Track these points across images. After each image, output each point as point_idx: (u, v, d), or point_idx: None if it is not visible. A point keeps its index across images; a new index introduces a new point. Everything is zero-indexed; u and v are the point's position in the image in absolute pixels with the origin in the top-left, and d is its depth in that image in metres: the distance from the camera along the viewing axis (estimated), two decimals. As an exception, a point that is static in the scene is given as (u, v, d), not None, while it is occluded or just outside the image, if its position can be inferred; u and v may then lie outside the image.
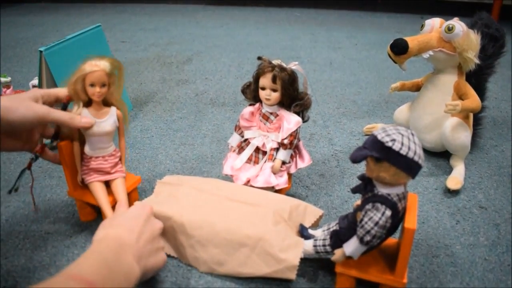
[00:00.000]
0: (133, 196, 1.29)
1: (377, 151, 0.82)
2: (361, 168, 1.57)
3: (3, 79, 2.01)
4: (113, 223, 0.85)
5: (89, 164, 1.20)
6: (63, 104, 1.15)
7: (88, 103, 1.15)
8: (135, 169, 1.54)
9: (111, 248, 0.75)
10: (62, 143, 1.17)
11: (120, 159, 1.25)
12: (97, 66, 1.10)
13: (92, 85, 1.10)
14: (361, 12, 4.47)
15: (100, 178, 1.20)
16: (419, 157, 0.82)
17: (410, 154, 0.83)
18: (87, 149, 1.20)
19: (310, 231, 1.09)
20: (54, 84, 1.53)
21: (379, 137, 0.81)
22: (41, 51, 1.48)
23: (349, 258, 0.98)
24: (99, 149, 1.19)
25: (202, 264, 1.09)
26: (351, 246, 0.95)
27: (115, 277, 0.68)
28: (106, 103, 1.18)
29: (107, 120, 1.17)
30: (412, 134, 0.86)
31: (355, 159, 0.78)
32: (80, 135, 1.19)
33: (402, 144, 0.82)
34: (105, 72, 1.10)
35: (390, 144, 0.80)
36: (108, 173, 1.21)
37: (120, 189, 1.20)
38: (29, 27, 3.63)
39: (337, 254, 0.98)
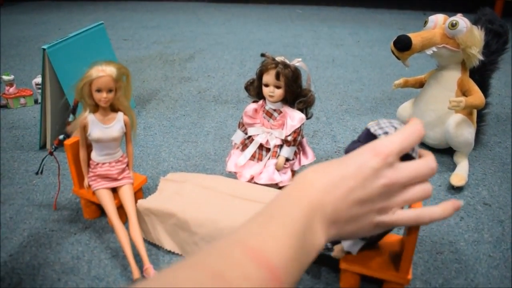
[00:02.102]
0: (138, 195, 1.29)
1: (368, 141, 0.82)
2: (365, 165, 1.57)
3: (6, 77, 2.01)
4: (325, 167, 0.53)
5: (96, 171, 1.20)
6: (73, 108, 1.16)
7: (95, 109, 1.16)
8: (139, 166, 1.54)
9: (304, 212, 0.47)
10: (68, 142, 1.18)
11: (128, 165, 1.25)
12: (103, 71, 1.09)
13: (99, 90, 1.10)
14: (364, 9, 4.46)
15: (107, 185, 1.20)
16: (412, 150, 0.81)
17: None
18: (94, 155, 1.20)
19: None
20: (57, 82, 1.53)
21: (372, 130, 0.81)
22: (44, 49, 1.48)
23: (348, 253, 0.98)
24: (106, 155, 1.19)
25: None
26: (349, 241, 0.96)
27: (299, 259, 0.45)
28: (113, 108, 1.18)
29: (114, 126, 1.17)
30: None
31: (348, 152, 0.78)
32: (87, 141, 1.19)
33: (394, 127, 0.82)
34: (111, 77, 1.10)
35: (383, 137, 0.80)
36: (115, 179, 1.21)
37: (128, 197, 1.19)
38: (32, 26, 3.63)
39: (336, 250, 0.99)
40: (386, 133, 0.80)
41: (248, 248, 0.41)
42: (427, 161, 0.55)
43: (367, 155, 0.51)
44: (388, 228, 0.55)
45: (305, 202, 0.47)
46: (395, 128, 0.81)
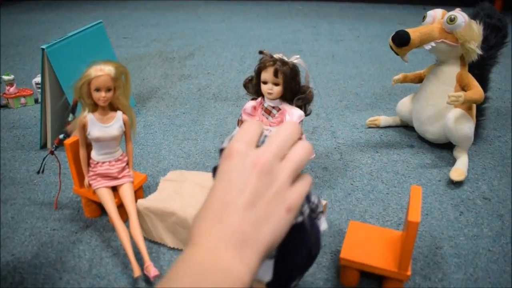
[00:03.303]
0: (138, 194, 1.30)
1: None
2: (364, 161, 1.57)
3: (6, 77, 2.02)
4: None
5: (96, 170, 1.20)
6: (72, 107, 1.16)
7: (94, 108, 1.16)
8: (139, 164, 1.55)
9: (187, 269, 0.42)
10: (68, 141, 1.18)
11: (128, 164, 1.25)
12: (102, 70, 1.10)
13: (98, 89, 1.11)
14: (363, 4, 4.45)
15: (107, 184, 1.20)
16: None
17: None
18: (93, 154, 1.20)
19: None
20: (57, 81, 1.53)
21: (220, 147, 0.63)
22: (43, 49, 1.48)
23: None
24: (106, 154, 1.19)
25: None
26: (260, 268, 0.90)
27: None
28: (113, 107, 1.18)
29: (113, 125, 1.17)
30: None
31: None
32: (87, 140, 1.19)
33: None
34: (110, 76, 1.10)
35: (225, 144, 0.62)
36: (116, 178, 1.21)
37: (128, 196, 1.19)
38: (31, 25, 3.64)
39: None
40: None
41: None
42: (284, 124, 0.48)
43: (222, 165, 0.45)
44: (300, 202, 0.46)
45: (196, 259, 0.41)
46: None
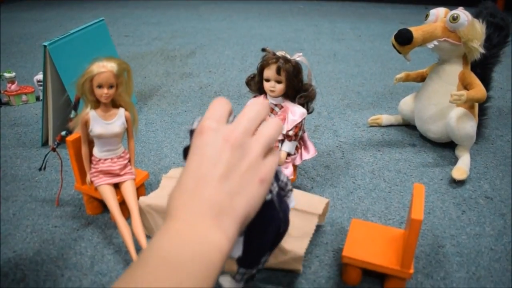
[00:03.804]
0: (140, 191, 1.29)
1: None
2: (366, 159, 1.57)
3: (7, 75, 2.02)
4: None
5: (98, 167, 1.20)
6: (74, 104, 1.16)
7: (96, 105, 1.16)
8: (141, 162, 1.54)
9: (164, 238, 0.42)
10: (70, 138, 1.18)
11: (129, 161, 1.25)
12: (104, 67, 1.10)
13: (100, 86, 1.10)
14: (365, 3, 4.44)
15: (109, 181, 1.20)
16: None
17: None
18: (96, 151, 1.20)
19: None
20: (58, 78, 1.53)
21: (189, 128, 0.57)
22: (45, 46, 1.48)
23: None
24: (108, 151, 1.19)
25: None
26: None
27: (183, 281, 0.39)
28: (115, 104, 1.18)
29: (115, 122, 1.17)
30: None
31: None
32: (89, 137, 1.19)
33: None
34: (112, 73, 1.10)
35: (196, 124, 0.55)
36: (118, 175, 1.21)
37: (130, 193, 1.19)
38: (33, 23, 3.63)
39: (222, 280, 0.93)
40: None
41: None
42: (253, 101, 0.49)
43: (195, 141, 0.45)
44: (272, 175, 0.46)
45: (172, 230, 0.41)
46: None
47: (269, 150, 0.47)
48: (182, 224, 0.41)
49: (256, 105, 0.48)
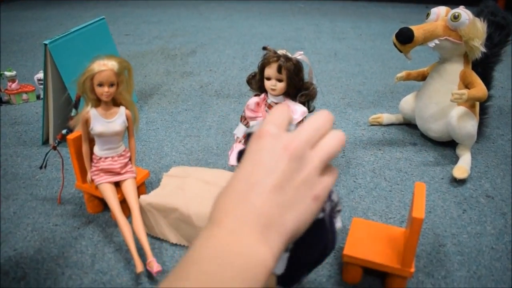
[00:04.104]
0: (141, 190, 1.29)
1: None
2: (367, 158, 1.57)
3: (8, 73, 2.02)
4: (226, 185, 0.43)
5: (98, 165, 1.20)
6: (75, 102, 1.16)
7: (97, 103, 1.16)
8: (141, 161, 1.54)
9: (211, 250, 0.40)
10: (71, 137, 1.18)
11: (130, 159, 1.25)
12: (105, 65, 1.09)
13: (101, 84, 1.10)
14: (366, 2, 4.44)
15: (110, 179, 1.20)
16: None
17: None
18: (96, 149, 1.20)
19: None
20: (59, 77, 1.53)
21: (247, 132, 0.62)
22: (45, 44, 1.48)
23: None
24: (108, 149, 1.19)
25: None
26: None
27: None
28: (115, 103, 1.18)
29: (116, 120, 1.17)
30: None
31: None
32: (89, 135, 1.19)
33: None
34: (113, 71, 1.10)
35: (255, 128, 0.61)
36: (118, 173, 1.21)
37: (131, 191, 1.19)
38: (33, 22, 3.63)
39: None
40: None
41: None
42: (318, 112, 0.45)
43: (252, 145, 0.42)
44: (327, 193, 0.44)
45: (217, 239, 0.38)
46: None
47: (326, 167, 0.43)
48: (227, 233, 0.38)
49: (321, 116, 0.44)
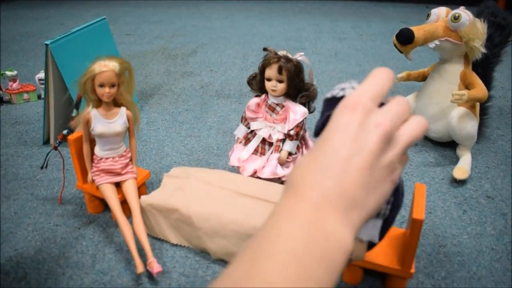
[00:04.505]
0: (142, 190, 1.30)
1: (332, 108, 0.63)
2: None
3: (9, 73, 2.02)
4: (309, 154, 0.40)
5: (99, 165, 1.20)
6: (76, 103, 1.16)
7: (98, 104, 1.16)
8: (142, 161, 1.55)
9: (300, 223, 0.37)
10: (72, 137, 1.18)
11: (131, 160, 1.25)
12: (106, 66, 1.10)
13: (102, 85, 1.11)
14: (366, 2, 4.44)
15: (111, 179, 1.20)
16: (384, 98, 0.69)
17: None
18: (97, 150, 1.20)
19: None
20: (60, 77, 1.53)
21: (331, 96, 0.63)
22: (47, 44, 1.48)
23: (371, 244, 0.91)
24: (109, 150, 1.19)
25: (212, 254, 1.10)
26: (363, 228, 0.92)
27: (313, 275, 0.35)
28: (116, 103, 1.18)
29: (117, 121, 1.17)
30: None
31: (318, 132, 0.48)
32: (90, 136, 1.19)
33: (353, 87, 0.66)
34: (114, 72, 1.11)
35: (341, 93, 0.61)
36: (119, 174, 1.21)
37: (131, 192, 1.19)
38: (34, 21, 3.64)
39: (355, 250, 0.95)
40: (342, 89, 0.64)
41: None
42: (398, 98, 0.43)
43: (342, 116, 0.39)
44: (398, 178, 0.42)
45: (301, 214, 0.36)
46: (353, 87, 0.65)
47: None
48: (312, 209, 0.36)
49: (402, 101, 0.42)
